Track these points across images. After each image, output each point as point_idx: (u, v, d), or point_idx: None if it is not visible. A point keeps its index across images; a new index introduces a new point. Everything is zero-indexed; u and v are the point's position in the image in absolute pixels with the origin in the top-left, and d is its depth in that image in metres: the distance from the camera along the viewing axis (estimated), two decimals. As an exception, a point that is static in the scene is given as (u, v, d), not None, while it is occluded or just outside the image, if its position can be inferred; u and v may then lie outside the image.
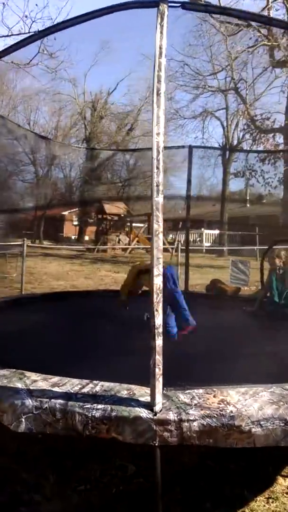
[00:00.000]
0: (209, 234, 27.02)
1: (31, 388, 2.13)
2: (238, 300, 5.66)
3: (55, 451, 3.13)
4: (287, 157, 15.37)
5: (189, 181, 6.56)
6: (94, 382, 2.19)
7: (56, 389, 2.12)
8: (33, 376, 2.31)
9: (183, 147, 7.00)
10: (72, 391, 2.08)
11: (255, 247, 20.25)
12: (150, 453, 3.08)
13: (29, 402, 2.01)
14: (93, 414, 1.89)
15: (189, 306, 4.24)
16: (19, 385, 2.19)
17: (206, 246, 24.97)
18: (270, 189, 16.72)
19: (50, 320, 4.46)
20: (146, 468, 2.98)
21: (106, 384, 2.14)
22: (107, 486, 2.79)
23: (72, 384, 2.17)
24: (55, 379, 2.26)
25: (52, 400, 1.99)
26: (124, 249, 21.10)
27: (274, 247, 5.31)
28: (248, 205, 28.86)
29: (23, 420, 1.99)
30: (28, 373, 2.36)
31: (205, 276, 13.37)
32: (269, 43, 14.85)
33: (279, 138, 16.65)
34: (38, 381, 2.23)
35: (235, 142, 24.16)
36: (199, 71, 21.28)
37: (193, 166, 6.54)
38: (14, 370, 2.39)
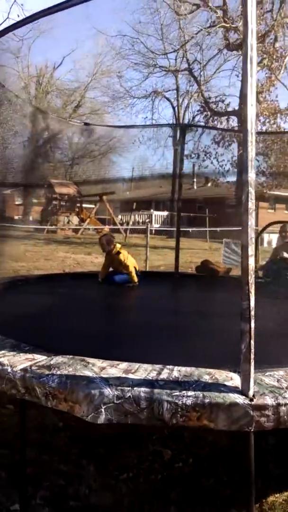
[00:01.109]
0: (158, 215, 27.13)
1: (103, 376, 1.97)
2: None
3: (81, 439, 2.99)
4: (241, 140, 15.59)
5: (181, 160, 6.47)
6: (168, 367, 2.07)
7: (131, 376, 1.97)
8: (97, 362, 2.14)
9: (173, 125, 6.83)
10: (151, 378, 1.95)
11: (206, 229, 20.65)
12: (180, 437, 3.06)
13: (108, 391, 1.86)
14: (184, 402, 1.77)
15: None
16: (88, 373, 2.02)
17: (155, 227, 25.06)
18: (223, 171, 16.96)
19: (67, 302, 4.26)
20: (179, 452, 2.93)
21: (183, 369, 2.02)
22: (149, 473, 2.69)
23: (146, 370, 2.03)
24: (123, 365, 2.11)
25: (135, 388, 1.84)
26: (76, 230, 20.68)
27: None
28: (195, 187, 29.24)
29: (103, 410, 1.83)
30: (90, 360, 2.19)
31: (164, 257, 13.43)
32: (227, 25, 14.86)
33: (233, 121, 16.87)
34: (106, 368, 2.07)
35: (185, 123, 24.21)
36: (150, 50, 21.01)
37: (140, 147, 6.52)
38: (72, 356, 2.21)
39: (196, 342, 2.89)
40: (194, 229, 18.37)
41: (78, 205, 22.70)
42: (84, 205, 23.70)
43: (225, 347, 2.32)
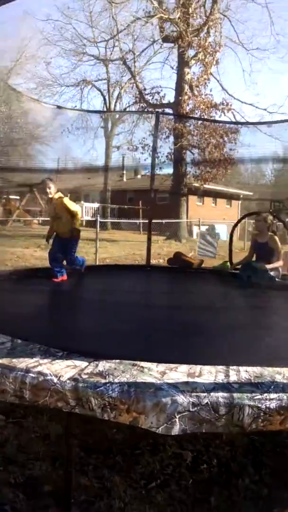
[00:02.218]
0: (89, 207, 26.68)
1: (169, 381, 1.79)
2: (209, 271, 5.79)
3: (92, 448, 2.78)
4: (177, 134, 15.71)
5: (154, 149, 6.27)
6: (232, 367, 1.93)
7: (199, 380, 1.81)
8: (152, 366, 1.95)
9: (151, 112, 6.59)
10: (221, 381, 1.80)
11: (138, 221, 20.67)
12: (194, 437, 2.94)
13: (182, 398, 1.68)
14: (267, 406, 1.65)
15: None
16: (150, 379, 1.82)
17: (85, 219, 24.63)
18: (159, 163, 16.99)
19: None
20: (199, 453, 2.82)
21: (250, 369, 1.90)
22: (178, 478, 2.55)
23: (211, 373, 1.88)
24: (183, 368, 1.94)
25: (212, 393, 1.69)
26: (2, 222, 19.74)
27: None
28: (125, 179, 29.14)
29: (177, 420, 1.66)
30: (142, 364, 1.98)
31: (105, 249, 13.22)
32: (165, 16, 14.83)
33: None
34: (166, 372, 1.89)
35: (117, 114, 23.99)
36: (82, 36, 20.47)
37: (69, 137, 6.34)
38: (119, 361, 2.00)
39: (221, 338, 2.78)
40: (154, 221, 18.28)
41: (5, 196, 21.63)
42: (10, 196, 22.67)
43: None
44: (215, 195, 26.48)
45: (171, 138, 15.95)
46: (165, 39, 17.32)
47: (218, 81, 17.66)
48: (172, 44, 17.51)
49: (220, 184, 24.13)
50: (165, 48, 20.18)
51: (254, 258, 5.23)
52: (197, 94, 16.76)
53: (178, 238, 17.30)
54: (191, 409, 1.67)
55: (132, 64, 18.57)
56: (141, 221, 20.13)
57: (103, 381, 1.80)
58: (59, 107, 6.70)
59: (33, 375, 1.87)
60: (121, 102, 24.07)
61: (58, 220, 5.15)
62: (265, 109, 18.64)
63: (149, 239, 6.26)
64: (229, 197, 29.22)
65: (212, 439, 2.92)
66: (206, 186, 21.31)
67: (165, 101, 17.49)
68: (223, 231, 27.16)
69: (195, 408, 1.67)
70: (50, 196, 5.06)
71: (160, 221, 16.15)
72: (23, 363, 1.97)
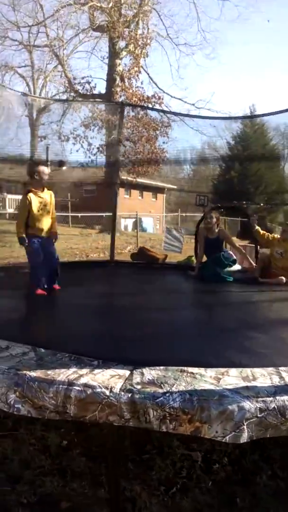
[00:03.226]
0: (12, 199, 25.55)
1: (229, 387, 1.73)
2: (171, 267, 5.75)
3: (96, 457, 2.65)
4: (111, 126, 15.53)
5: (119, 142, 6.05)
6: (282, 368, 1.92)
7: (258, 384, 1.77)
8: (201, 371, 1.87)
9: (116, 103, 6.35)
10: (279, 383, 1.78)
11: (67, 214, 20.24)
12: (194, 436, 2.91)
13: (249, 405, 1.63)
14: None
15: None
16: (208, 386, 1.75)
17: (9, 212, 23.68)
18: (90, 155, 16.72)
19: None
20: (207, 453, 2.80)
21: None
22: (196, 482, 2.51)
23: (264, 375, 1.85)
24: (233, 371, 1.89)
25: (278, 397, 1.66)
26: None
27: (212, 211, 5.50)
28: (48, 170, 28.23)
29: (245, 427, 1.61)
30: (191, 369, 1.90)
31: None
32: (97, 4, 14.54)
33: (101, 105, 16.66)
34: (220, 377, 1.82)
35: (41, 103, 23.12)
36: (6, 19, 19.44)
37: None
38: (164, 367, 1.90)
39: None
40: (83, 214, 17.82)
41: None
42: None
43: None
44: (143, 188, 26.65)
45: (103, 130, 15.69)
46: (96, 28, 16.97)
47: (148, 74, 17.69)
48: (100, 34, 17.21)
49: (147, 177, 24.30)
50: (92, 38, 19.79)
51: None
52: (128, 86, 16.65)
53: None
54: (258, 415, 1.61)
55: (60, 52, 17.98)
56: (70, 214, 19.74)
57: (160, 390, 1.69)
58: (24, 94, 6.15)
59: (79, 388, 1.71)
60: (46, 91, 23.26)
61: (47, 217, 4.33)
62: (193, 104, 19.00)
63: (112, 234, 6.09)
64: (155, 190, 29.57)
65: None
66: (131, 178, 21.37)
67: (95, 92, 17.17)
68: (149, 224, 27.47)
69: (263, 414, 1.62)
70: (43, 183, 4.25)
71: (101, 214, 15.91)
72: (61, 375, 1.79)
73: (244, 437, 1.61)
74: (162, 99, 16.77)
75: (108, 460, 1.95)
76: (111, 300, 3.87)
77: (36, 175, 4.24)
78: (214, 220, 5.31)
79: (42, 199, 4.27)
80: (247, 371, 1.89)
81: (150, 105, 16.07)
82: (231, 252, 5.26)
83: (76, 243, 12.69)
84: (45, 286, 4.22)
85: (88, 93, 17.02)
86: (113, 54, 16.75)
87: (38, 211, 4.26)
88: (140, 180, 21.77)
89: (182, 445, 2.80)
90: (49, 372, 1.81)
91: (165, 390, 1.69)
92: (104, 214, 16.22)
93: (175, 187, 28.76)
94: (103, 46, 18.05)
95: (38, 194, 4.27)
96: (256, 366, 2.03)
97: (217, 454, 2.76)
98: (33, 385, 1.74)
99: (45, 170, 4.32)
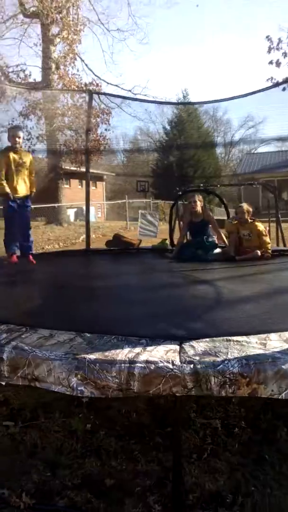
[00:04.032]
0: None
1: (277, 350, 1.91)
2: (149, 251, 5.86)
3: (122, 435, 2.76)
4: (51, 114, 15.26)
5: (88, 131, 5.99)
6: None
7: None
8: (245, 338, 2.03)
9: (84, 91, 6.20)
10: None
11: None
12: (208, 404, 3.09)
13: (299, 363, 1.81)
14: None
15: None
16: (259, 350, 1.91)
17: None
18: (31, 145, 16.34)
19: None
20: (224, 419, 2.98)
21: None
22: (223, 445, 2.68)
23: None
24: (273, 336, 2.06)
25: None
26: None
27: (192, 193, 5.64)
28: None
29: (298, 384, 1.80)
30: (234, 338, 2.04)
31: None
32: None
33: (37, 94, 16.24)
34: (264, 342, 1.99)
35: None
36: None
37: None
38: (210, 339, 2.03)
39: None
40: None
41: None
42: None
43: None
44: (81, 177, 26.36)
45: (43, 119, 15.39)
46: (27, 14, 16.44)
47: (83, 61, 17.45)
48: (30, 20, 16.69)
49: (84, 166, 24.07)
50: (19, 24, 19.12)
51: (189, 237, 5.51)
52: (63, 74, 16.37)
53: (59, 222, 16.94)
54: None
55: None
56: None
57: (218, 359, 1.82)
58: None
59: (142, 365, 1.80)
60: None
61: (21, 174, 4.78)
62: (129, 91, 19.00)
63: (87, 222, 6.10)
64: (94, 179, 29.38)
65: (225, 405, 3.10)
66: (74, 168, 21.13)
67: (31, 80, 16.70)
68: (91, 213, 27.24)
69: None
70: (17, 146, 4.74)
71: (52, 205, 15.61)
72: (119, 355, 1.88)
73: (296, 393, 1.78)
74: (100, 86, 16.67)
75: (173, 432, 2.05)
76: (120, 282, 3.96)
77: (11, 138, 4.80)
78: (198, 203, 5.46)
79: (20, 159, 4.80)
80: (285, 334, 2.07)
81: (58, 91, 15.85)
82: (214, 237, 5.44)
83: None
84: (18, 254, 4.55)
85: (22, 81, 16.51)
86: (47, 41, 16.34)
87: (16, 167, 4.78)
88: (80, 169, 21.56)
89: (199, 416, 2.96)
90: (106, 353, 1.88)
91: (223, 358, 1.82)
92: (56, 205, 15.96)
93: (113, 174, 28.75)
94: (31, 32, 17.51)
95: (16, 153, 4.83)
96: (277, 331, 2.20)
97: (233, 419, 2.95)
98: (94, 367, 1.80)
99: (20, 133, 4.95)
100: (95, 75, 17.72)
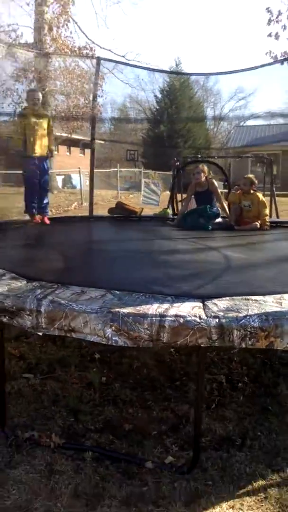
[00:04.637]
0: None
1: (290, 307, 2.11)
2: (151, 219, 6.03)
3: (134, 387, 2.98)
4: (40, 77, 14.95)
5: (94, 98, 6.01)
6: None
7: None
8: (261, 298, 2.23)
9: (92, 57, 6.14)
10: None
11: None
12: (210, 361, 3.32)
13: (313, 319, 2.02)
14: None
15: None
16: (276, 308, 2.11)
17: None
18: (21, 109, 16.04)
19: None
20: (226, 376, 3.21)
21: None
22: (230, 397, 2.92)
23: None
24: (286, 296, 2.27)
25: None
26: None
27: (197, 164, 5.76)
28: None
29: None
30: (252, 297, 2.24)
31: None
32: None
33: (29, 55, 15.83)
34: (279, 301, 2.20)
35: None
36: None
37: None
38: (230, 298, 2.23)
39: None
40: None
41: None
42: None
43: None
44: (70, 143, 26.07)
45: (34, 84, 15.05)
46: None
47: (76, 23, 16.99)
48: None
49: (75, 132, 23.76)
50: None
51: (193, 206, 5.66)
52: (56, 36, 15.97)
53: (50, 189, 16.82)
54: None
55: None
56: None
57: (241, 315, 2.02)
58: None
59: (171, 318, 1.98)
60: None
61: (39, 135, 4.95)
62: (123, 56, 18.60)
63: (91, 189, 6.19)
64: (83, 146, 29.06)
65: (228, 363, 3.33)
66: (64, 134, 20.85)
67: (22, 41, 16.24)
68: (78, 180, 27.09)
69: None
70: (36, 107, 4.96)
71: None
72: (150, 309, 2.06)
73: (310, 345, 2.00)
74: (94, 50, 16.33)
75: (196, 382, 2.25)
76: (135, 247, 4.13)
77: (31, 100, 5.10)
78: (202, 174, 5.59)
79: (38, 120, 4.99)
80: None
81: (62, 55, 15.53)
82: (218, 206, 5.61)
83: (9, 201, 12.32)
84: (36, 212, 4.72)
85: (14, 42, 16.05)
86: (40, 0, 15.84)
87: (33, 128, 4.97)
88: (72, 136, 21.29)
89: (205, 372, 3.19)
90: (137, 308, 2.06)
91: (244, 314, 2.01)
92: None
93: (102, 142, 28.41)
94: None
95: (34, 114, 5.04)
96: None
97: (236, 376, 3.19)
98: (128, 320, 1.98)
99: (38, 95, 5.23)
100: (89, 39, 17.31)
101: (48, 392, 2.84)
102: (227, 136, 36.07)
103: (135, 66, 7.72)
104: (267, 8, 9.57)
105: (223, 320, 1.95)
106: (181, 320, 1.95)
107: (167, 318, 1.96)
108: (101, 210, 8.35)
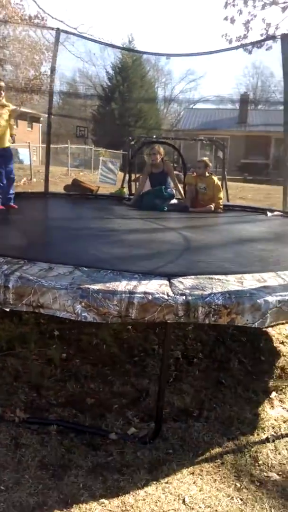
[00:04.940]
0: None
1: (254, 287, 2.23)
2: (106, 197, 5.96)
3: (91, 363, 3.05)
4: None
5: (52, 70, 5.78)
6: (279, 272, 2.49)
7: (270, 283, 2.32)
8: (224, 277, 2.34)
9: (51, 28, 5.85)
10: (285, 283, 2.35)
11: None
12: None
13: (272, 298, 2.16)
14: None
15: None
16: (237, 287, 2.23)
17: None
18: None
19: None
20: (181, 352, 3.36)
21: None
22: (186, 372, 3.05)
23: (269, 277, 2.40)
24: (248, 276, 2.39)
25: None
26: None
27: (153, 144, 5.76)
28: None
29: (268, 315, 2.15)
30: (215, 276, 2.35)
31: None
32: None
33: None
34: (241, 281, 2.32)
35: None
36: None
37: None
38: (195, 276, 2.33)
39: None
40: None
41: None
42: None
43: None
44: (17, 117, 25.13)
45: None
46: None
47: (27, -11, 16.26)
48: None
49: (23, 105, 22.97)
50: None
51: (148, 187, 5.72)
52: (6, 2, 15.22)
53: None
54: (277, 306, 2.15)
55: None
56: None
57: (205, 293, 2.12)
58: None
59: (140, 295, 2.05)
60: None
61: (2, 125, 4.67)
62: (75, 28, 18.05)
63: (47, 166, 6.04)
64: (30, 119, 28.14)
65: (184, 339, 3.47)
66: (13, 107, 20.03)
67: None
68: (25, 155, 26.31)
69: (280, 305, 2.16)
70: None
71: None
72: (119, 286, 2.11)
73: (267, 323, 2.14)
74: (46, 20, 15.72)
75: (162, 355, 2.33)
76: (95, 225, 4.12)
77: None
78: (158, 155, 5.63)
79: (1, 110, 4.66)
80: (256, 275, 2.41)
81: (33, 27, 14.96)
82: (172, 188, 5.69)
83: None
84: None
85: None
86: None
87: None
88: (20, 108, 20.53)
89: (161, 348, 3.30)
90: (107, 285, 2.11)
91: (209, 292, 2.12)
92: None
93: (52, 116, 27.59)
94: None
95: None
96: (248, 272, 2.54)
97: (191, 352, 3.33)
98: (97, 296, 2.02)
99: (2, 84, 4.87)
100: (40, 8, 16.61)
101: (9, 369, 2.84)
102: (176, 118, 36.25)
103: (96, 41, 7.45)
104: (225, -9, 9.65)
105: (190, 298, 2.04)
106: (150, 297, 2.02)
107: (136, 295, 2.02)
108: (53, 187, 8.21)
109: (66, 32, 6.43)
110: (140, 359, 3.13)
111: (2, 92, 4.68)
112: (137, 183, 6.21)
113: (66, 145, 20.33)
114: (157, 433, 2.28)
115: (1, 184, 4.63)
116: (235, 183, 15.38)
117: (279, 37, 5.59)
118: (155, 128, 23.99)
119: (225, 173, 7.17)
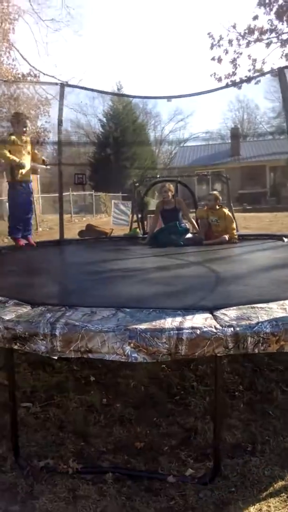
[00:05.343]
0: None
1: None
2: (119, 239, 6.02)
3: (133, 406, 3.00)
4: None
5: (60, 122, 5.99)
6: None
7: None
8: (266, 305, 2.35)
9: (55, 84, 6.16)
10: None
11: None
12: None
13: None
14: None
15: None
16: (283, 314, 2.24)
17: None
18: None
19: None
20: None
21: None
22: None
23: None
24: (282, 302, 2.40)
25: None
26: None
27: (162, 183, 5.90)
28: None
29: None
30: (257, 305, 2.35)
31: None
32: None
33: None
34: (283, 306, 2.33)
35: None
36: None
37: None
38: (236, 307, 2.33)
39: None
40: None
41: None
42: None
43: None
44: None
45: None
46: None
47: (17, 50, 17.02)
48: None
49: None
50: None
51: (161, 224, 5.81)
52: (-1, 63, 15.90)
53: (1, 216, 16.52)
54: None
55: None
56: None
57: (252, 322, 2.12)
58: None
59: (188, 331, 2.05)
60: None
61: (25, 158, 5.00)
62: (66, 82, 18.77)
63: (60, 215, 6.14)
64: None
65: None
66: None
67: None
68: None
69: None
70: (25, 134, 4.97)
71: None
72: (166, 324, 2.11)
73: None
74: (39, 77, 16.39)
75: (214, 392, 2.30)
76: (120, 266, 4.13)
77: (21, 124, 5.07)
78: (169, 192, 5.79)
79: (23, 143, 5.04)
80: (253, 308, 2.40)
81: (27, 84, 15.60)
82: (186, 223, 5.78)
83: None
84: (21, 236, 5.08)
85: None
86: (-20, 29, 15.75)
87: (19, 152, 4.98)
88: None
89: (200, 384, 3.26)
90: (153, 323, 2.11)
91: (256, 321, 2.12)
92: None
93: (49, 167, 28.24)
94: None
95: (19, 137, 5.03)
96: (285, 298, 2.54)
97: (231, 385, 3.29)
98: (145, 336, 2.02)
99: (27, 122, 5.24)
100: (31, 66, 17.35)
101: (52, 419, 2.79)
102: (169, 157, 37.09)
103: (99, 91, 7.78)
104: (209, 33, 10.10)
105: (238, 329, 2.04)
106: (198, 332, 2.01)
107: (184, 330, 2.02)
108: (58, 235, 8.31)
109: (71, 85, 6.67)
110: (181, 398, 3.08)
111: (27, 128, 5.07)
112: (146, 222, 6.31)
113: (67, 193, 20.66)
114: (216, 472, 2.22)
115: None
116: (235, 213, 15.52)
117: (276, 70, 5.77)
118: (150, 168, 24.49)
119: (231, 204, 7.27)
